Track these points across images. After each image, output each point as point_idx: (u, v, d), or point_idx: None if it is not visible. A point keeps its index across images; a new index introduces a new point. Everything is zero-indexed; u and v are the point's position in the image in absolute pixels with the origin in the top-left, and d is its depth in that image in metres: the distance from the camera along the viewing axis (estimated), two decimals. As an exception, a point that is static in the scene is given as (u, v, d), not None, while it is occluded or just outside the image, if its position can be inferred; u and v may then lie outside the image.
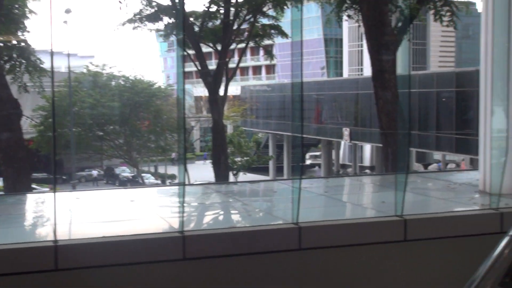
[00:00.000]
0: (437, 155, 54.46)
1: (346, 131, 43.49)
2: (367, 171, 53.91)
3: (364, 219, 8.89)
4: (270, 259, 7.96)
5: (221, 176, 31.29)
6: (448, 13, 22.10)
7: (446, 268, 8.50)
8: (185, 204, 9.06)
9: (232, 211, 10.24)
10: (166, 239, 7.53)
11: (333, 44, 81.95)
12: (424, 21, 29.86)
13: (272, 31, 34.23)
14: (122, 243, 7.26)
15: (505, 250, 2.69)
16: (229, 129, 53.91)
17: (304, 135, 53.19)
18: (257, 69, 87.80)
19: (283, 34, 34.31)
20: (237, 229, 8.24)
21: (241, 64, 79.43)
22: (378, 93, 19.72)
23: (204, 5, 31.49)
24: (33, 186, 29.07)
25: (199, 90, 53.58)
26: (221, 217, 9.85)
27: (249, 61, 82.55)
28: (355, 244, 8.27)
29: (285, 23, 33.95)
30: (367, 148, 56.54)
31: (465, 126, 32.15)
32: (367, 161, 58.88)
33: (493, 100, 10.22)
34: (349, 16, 23.88)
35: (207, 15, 31.98)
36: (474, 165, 34.18)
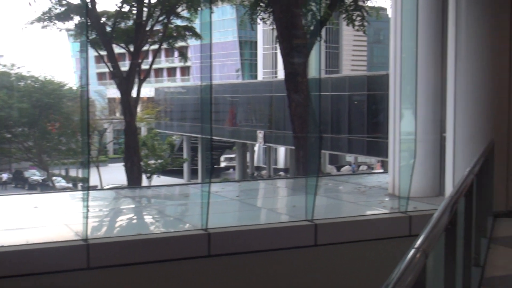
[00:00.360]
0: (350, 157, 55.37)
1: (260, 134, 43.56)
2: (282, 173, 54.22)
3: (274, 224, 8.79)
4: (179, 266, 7.74)
5: (133, 179, 30.63)
6: (359, 18, 22.41)
7: (357, 272, 8.50)
8: (93, 210, 8.70)
9: (141, 217, 9.94)
10: (67, 248, 7.17)
11: (248, 46, 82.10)
12: (336, 25, 30.23)
13: (186, 32, 33.82)
14: (20, 253, 6.86)
15: (412, 261, 2.72)
16: (143, 132, 53.03)
17: (219, 138, 52.99)
18: (172, 71, 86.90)
19: (196, 35, 33.97)
20: (145, 236, 7.97)
21: (156, 66, 78.39)
22: (291, 96, 19.75)
23: (116, 4, 30.77)
24: None
25: (113, 91, 52.50)
26: (129, 223, 9.54)
27: (163, 62, 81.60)
28: (264, 250, 8.15)
29: (199, 24, 33.65)
30: (282, 151, 56.90)
31: (376, 129, 32.79)
32: (281, 164, 59.22)
33: (402, 103, 10.35)
34: (262, 18, 23.85)
35: (119, 15, 31.27)
36: (385, 167, 34.97)
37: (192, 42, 38.13)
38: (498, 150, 9.22)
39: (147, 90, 59.45)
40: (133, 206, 10.73)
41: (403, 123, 10.46)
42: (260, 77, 72.28)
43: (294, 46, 18.91)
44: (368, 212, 9.79)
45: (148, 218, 9.74)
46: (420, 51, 10.75)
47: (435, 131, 10.61)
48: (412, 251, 2.53)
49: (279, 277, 8.27)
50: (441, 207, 3.57)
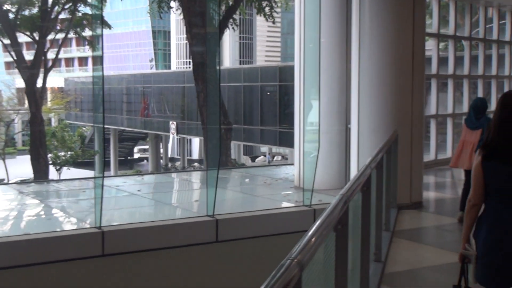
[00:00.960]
0: (265, 148, 55.50)
1: (172, 125, 42.90)
2: (196, 164, 53.75)
3: (173, 220, 8.39)
4: (71, 267, 7.25)
5: (40, 172, 29.50)
6: (268, 7, 22.24)
7: (260, 268, 8.19)
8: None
9: (30, 215, 9.32)
10: None
11: (161, 36, 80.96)
12: (245, 15, 29.96)
13: (93, 21, 32.74)
14: None
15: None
16: (53, 123, 51.38)
17: (131, 129, 51.96)
18: (83, 60, 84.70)
19: (105, 24, 32.98)
20: (30, 237, 7.40)
21: (66, 55, 75.97)
22: (199, 86, 19.33)
23: (20, -10, 29.48)
24: None
25: (22, 81, 50.57)
26: (16, 222, 8.91)
27: (74, 51, 79.43)
28: (162, 248, 7.76)
29: (111, 13, 32.69)
30: (196, 142, 56.40)
31: (287, 119, 32.80)
32: (196, 155, 58.75)
33: (306, 94, 10.14)
34: (169, 7, 23.32)
35: (23, 2, 29.97)
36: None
37: (105, 31, 36.99)
38: (402, 142, 9.15)
39: (57, 80, 57.63)
40: (25, 202, 10.08)
41: (307, 114, 10.26)
42: (174, 67, 71.45)
43: (202, 35, 18.49)
44: (272, 206, 9.51)
45: (37, 216, 9.14)
46: (324, 41, 10.57)
47: (340, 123, 10.47)
48: (287, 263, 2.22)
49: (178, 276, 7.90)
50: (327, 211, 3.28)
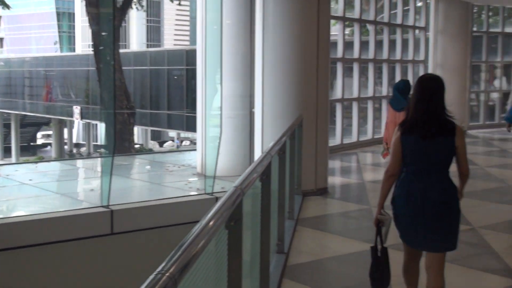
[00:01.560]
0: (173, 133, 54.77)
1: (76, 109, 41.45)
2: (103, 150, 52.40)
3: (65, 212, 7.78)
4: None
5: None
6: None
7: (158, 262, 7.72)
8: None
9: None
10: None
11: (66, 18, 78.45)
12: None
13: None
14: None
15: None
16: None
17: (34, 114, 49.94)
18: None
19: (4, 5, 31.40)
20: None
21: (-35, 37, 72.48)
22: (100, 70, 18.55)
23: None
24: None
25: None
26: None
27: (-26, 33, 75.98)
28: (50, 242, 7.17)
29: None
30: (102, 127, 54.94)
31: (195, 104, 32.30)
32: (102, 140, 57.27)
33: (208, 78, 9.71)
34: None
35: None
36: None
37: (5, 12, 35.25)
38: (307, 127, 8.88)
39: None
40: None
41: (209, 99, 9.84)
42: (80, 50, 69.43)
43: (102, 17, 17.68)
44: (173, 195, 9.04)
45: None
46: (229, 23, 10.15)
47: (244, 107, 10.10)
48: (152, 276, 1.80)
49: (70, 271, 7.33)
50: (216, 206, 2.88)
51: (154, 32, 79.54)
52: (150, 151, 32.64)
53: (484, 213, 7.92)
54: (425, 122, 4.05)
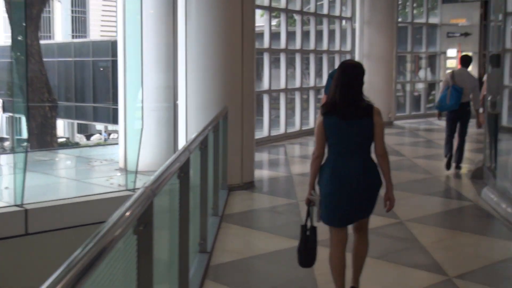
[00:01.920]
0: (100, 125, 53.66)
1: (-2, 102, 39.97)
2: (27, 144, 50.80)
3: (-28, 213, 7.26)
4: None
5: None
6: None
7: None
8: None
9: None
10: None
11: (-14, 8, 75.73)
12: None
13: None
14: None
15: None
16: None
17: (-48, 107, 47.89)
18: None
19: None
20: None
21: None
22: (16, 61, 17.73)
23: None
24: None
25: None
26: None
27: None
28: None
29: None
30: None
31: (120, 96, 31.57)
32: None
33: (128, 69, 9.32)
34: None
35: None
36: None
37: None
38: (232, 119, 8.62)
39: None
40: None
41: (129, 91, 9.44)
42: (2, 41, 67.15)
43: (12, 4, 16.92)
44: (93, 191, 8.61)
45: None
46: (151, 12, 9.76)
47: (168, 99, 9.73)
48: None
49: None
50: (120, 210, 2.57)
51: (80, 23, 77.72)
52: (75, 145, 31.77)
53: (411, 206, 7.85)
54: (345, 105, 4.29)
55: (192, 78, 8.69)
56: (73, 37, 72.03)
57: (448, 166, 9.94)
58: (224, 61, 8.59)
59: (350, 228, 4.57)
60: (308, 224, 4.54)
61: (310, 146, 13.79)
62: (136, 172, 8.59)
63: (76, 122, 46.12)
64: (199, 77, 8.64)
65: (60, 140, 43.34)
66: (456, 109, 9.61)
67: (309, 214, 4.54)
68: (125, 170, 9.60)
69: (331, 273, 4.50)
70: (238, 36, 8.65)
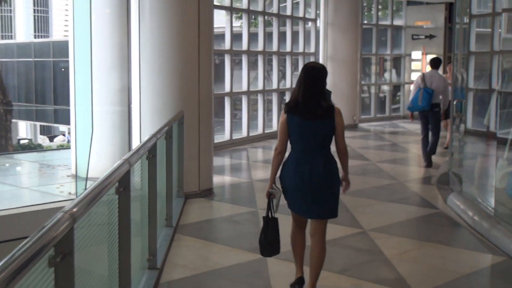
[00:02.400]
0: (64, 127, 52.66)
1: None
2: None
3: None
4: None
5: None
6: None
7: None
8: None
9: None
10: None
11: None
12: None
13: None
14: None
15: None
16: None
17: None
18: None
19: None
20: None
21: None
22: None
23: None
24: None
25: None
26: None
27: None
28: None
29: None
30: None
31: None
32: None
33: (78, 70, 8.86)
34: None
35: None
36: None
37: None
38: (188, 124, 8.21)
39: None
40: None
41: (79, 92, 8.98)
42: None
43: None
44: (41, 200, 8.13)
45: None
46: (108, 11, 9.32)
47: (122, 102, 9.28)
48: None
49: None
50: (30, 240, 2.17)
51: (42, 22, 76.44)
52: (33, 149, 30.92)
53: (375, 214, 7.54)
54: (307, 105, 4.49)
55: (146, 81, 8.26)
56: (35, 37, 70.81)
57: (428, 164, 10.48)
58: (180, 62, 8.18)
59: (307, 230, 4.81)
60: (270, 215, 4.71)
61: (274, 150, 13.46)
62: (87, 179, 8.13)
63: (38, 124, 45.17)
64: (153, 79, 8.21)
65: (22, 141, 42.37)
66: (428, 110, 10.01)
67: (269, 206, 4.70)
68: (76, 176, 9.12)
69: (292, 252, 4.85)
70: (194, 36, 8.24)
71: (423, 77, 10.24)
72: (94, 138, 9.16)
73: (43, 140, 50.57)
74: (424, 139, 10.50)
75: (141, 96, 8.33)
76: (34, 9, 72.71)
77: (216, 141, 12.89)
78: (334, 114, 4.50)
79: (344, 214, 7.44)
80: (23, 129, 52.29)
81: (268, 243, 4.72)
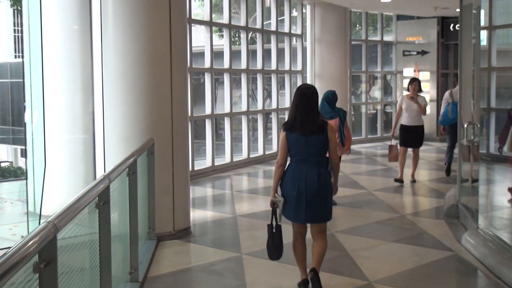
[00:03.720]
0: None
1: None
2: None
3: None
4: None
5: None
6: None
7: None
8: None
9: None
10: None
11: None
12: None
13: None
14: None
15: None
16: None
17: None
18: None
19: None
20: None
21: None
22: None
23: None
24: None
25: None
26: None
27: None
28: None
29: None
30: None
31: (20, 120, 29.41)
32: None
33: (33, 95, 7.71)
34: None
35: None
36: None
37: None
38: (160, 156, 7.06)
39: None
40: None
41: (36, 120, 7.82)
42: None
43: None
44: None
45: None
46: (75, 28, 8.21)
47: (85, 130, 8.13)
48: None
49: None
50: None
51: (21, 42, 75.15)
52: (13, 172, 29.54)
53: (380, 259, 6.40)
54: (304, 122, 5.09)
55: (110, 105, 7.13)
56: (15, 57, 69.77)
57: (448, 173, 11.50)
58: (149, 83, 7.04)
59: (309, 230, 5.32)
60: (274, 223, 5.24)
61: (260, 177, 12.32)
62: (40, 217, 6.95)
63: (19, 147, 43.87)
64: (118, 104, 7.07)
65: (3, 164, 40.84)
66: (457, 122, 9.92)
67: (273, 214, 5.24)
68: (35, 214, 7.92)
69: (295, 259, 5.38)
70: (165, 53, 7.12)
71: (451, 92, 11.22)
72: (54, 170, 8.00)
73: (24, 162, 49.10)
74: (449, 149, 11.41)
75: (105, 122, 7.19)
76: (14, 29, 71.69)
77: (196, 168, 11.76)
78: (327, 130, 5.10)
79: (345, 260, 6.32)
80: (4, 152, 50.87)
81: (276, 247, 5.27)
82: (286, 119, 5.45)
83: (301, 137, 5.07)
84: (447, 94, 11.48)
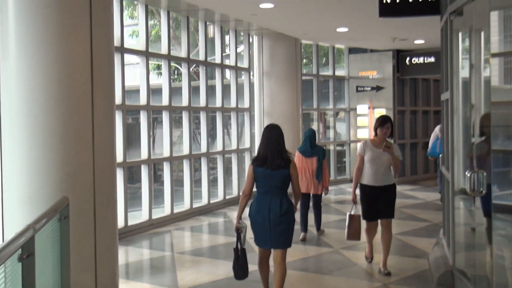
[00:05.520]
0: None
1: None
2: None
3: None
4: None
5: None
6: None
7: None
8: None
9: None
10: None
11: None
12: None
13: None
14: None
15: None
16: None
17: None
18: None
19: None
20: None
21: None
22: None
23: None
24: None
25: None
26: None
27: None
28: None
29: None
30: None
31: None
32: None
33: None
34: None
35: None
36: None
37: None
38: (77, 220, 5.34)
39: None
40: None
41: None
42: None
43: None
44: None
45: None
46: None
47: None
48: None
49: None
50: None
51: None
52: None
53: None
54: (272, 158, 5.80)
55: (10, 154, 5.39)
56: None
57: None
58: (63, 124, 5.35)
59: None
60: (239, 246, 5.92)
61: (205, 232, 10.61)
62: None
63: None
64: (22, 150, 5.35)
65: None
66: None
67: (238, 238, 5.91)
68: None
69: (259, 273, 6.10)
70: (85, 87, 5.47)
71: (441, 127, 10.09)
72: None
73: None
74: (441, 179, 10.96)
75: (3, 178, 5.44)
76: None
77: (130, 223, 10.01)
78: (290, 166, 5.80)
79: None
80: None
81: (241, 267, 5.91)
82: (255, 155, 6.01)
83: (267, 170, 5.76)
84: (436, 129, 12.84)
